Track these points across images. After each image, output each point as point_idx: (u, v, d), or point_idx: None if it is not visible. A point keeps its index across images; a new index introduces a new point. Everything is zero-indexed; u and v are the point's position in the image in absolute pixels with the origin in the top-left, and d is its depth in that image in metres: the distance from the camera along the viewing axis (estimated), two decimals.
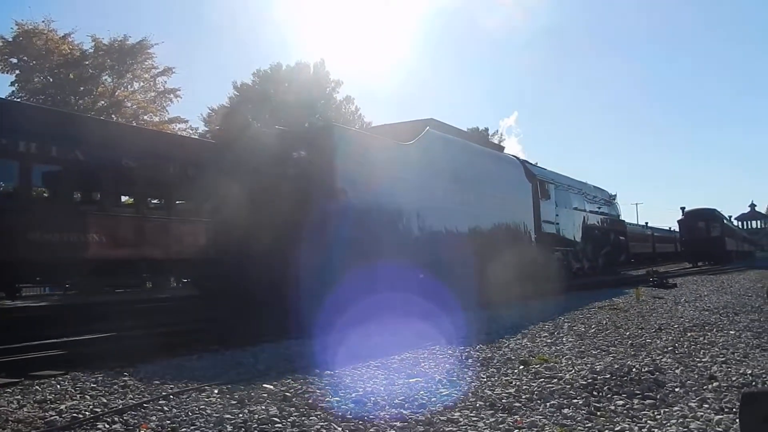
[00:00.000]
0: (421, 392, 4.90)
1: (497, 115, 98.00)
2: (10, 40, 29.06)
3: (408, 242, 11.08)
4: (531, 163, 21.82)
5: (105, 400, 4.65)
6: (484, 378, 5.44)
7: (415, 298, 9.80)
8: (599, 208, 24.97)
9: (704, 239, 36.58)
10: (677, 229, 43.62)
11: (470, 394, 4.81)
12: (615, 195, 28.93)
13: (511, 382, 5.21)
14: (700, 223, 37.46)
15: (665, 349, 6.75)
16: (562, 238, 19.79)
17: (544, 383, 5.10)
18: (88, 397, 4.79)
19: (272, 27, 65.46)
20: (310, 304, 8.35)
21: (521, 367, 5.88)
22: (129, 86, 33.48)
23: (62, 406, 4.46)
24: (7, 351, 6.65)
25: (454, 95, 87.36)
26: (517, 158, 18.82)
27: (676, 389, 4.85)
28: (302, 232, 8.91)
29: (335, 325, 7.97)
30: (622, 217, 30.01)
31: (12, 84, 29.70)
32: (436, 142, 12.86)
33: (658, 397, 4.62)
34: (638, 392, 4.73)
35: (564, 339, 7.76)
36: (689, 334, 7.86)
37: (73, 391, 4.97)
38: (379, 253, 9.79)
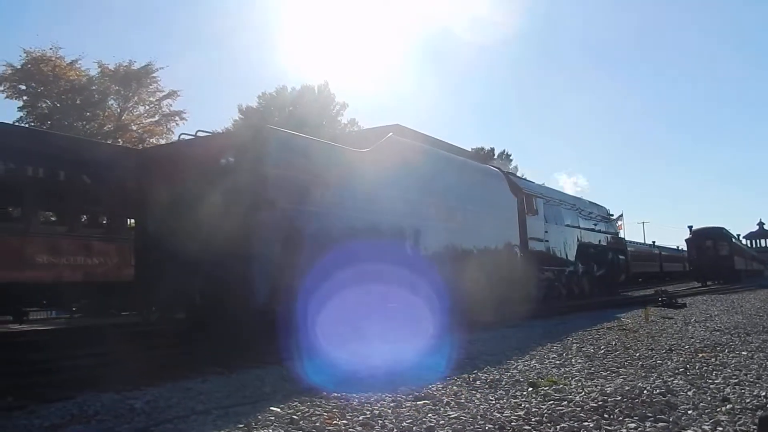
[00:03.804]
0: (429, 415, 4.84)
1: (498, 131, 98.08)
2: (19, 67, 29.45)
3: (360, 260, 9.64)
4: (516, 176, 21.25)
5: (111, 425, 4.61)
6: (492, 400, 5.38)
7: (378, 319, 9.52)
8: (595, 225, 24.08)
9: (713, 258, 36.31)
10: (685, 248, 43.37)
11: (479, 417, 4.74)
12: (621, 214, 28.66)
13: (521, 405, 5.14)
14: (708, 242, 37.21)
15: (677, 371, 6.66)
16: (553, 256, 19.00)
17: (553, 405, 5.03)
18: (94, 421, 4.75)
19: (275, 50, 66.07)
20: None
21: (530, 389, 5.81)
22: (134, 110, 33.80)
23: (68, 431, 4.41)
24: (14, 374, 6.63)
25: (455, 113, 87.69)
26: (500, 170, 17.95)
27: (689, 411, 4.77)
28: (232, 247, 8.19)
29: (330, 347, 7.86)
30: (625, 236, 29.34)
31: (20, 109, 30.07)
32: (399, 149, 11.75)
33: (670, 419, 4.55)
34: (650, 415, 4.66)
35: (573, 360, 7.68)
36: (701, 355, 7.76)
37: (79, 415, 4.94)
38: (323, 273, 8.82)
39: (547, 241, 18.50)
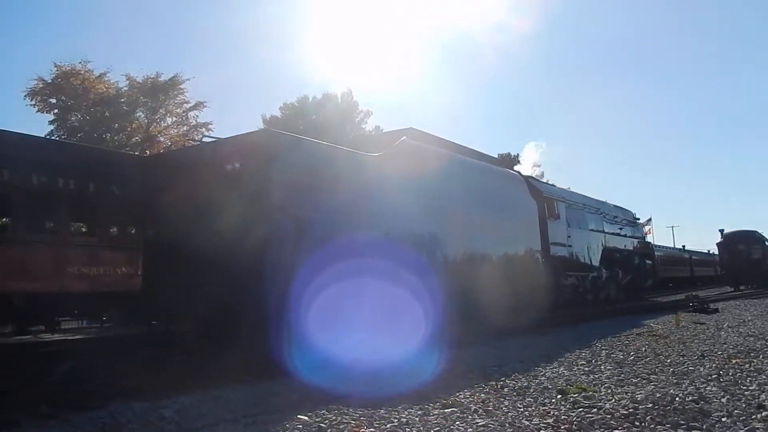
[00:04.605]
0: (457, 422, 4.82)
1: (521, 138, 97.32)
2: (50, 81, 30.08)
3: (372, 266, 9.31)
4: (537, 179, 20.75)
5: None
6: (520, 408, 5.34)
7: (408, 325, 9.28)
8: (621, 229, 23.61)
9: (745, 262, 35.53)
10: (716, 252, 42.56)
11: (507, 425, 4.71)
12: (650, 218, 28.27)
13: (549, 412, 5.09)
14: (740, 246, 36.42)
15: (709, 377, 6.54)
16: (577, 261, 18.64)
17: (583, 413, 4.97)
18: (126, 430, 4.82)
19: (297, 57, 66.55)
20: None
21: (559, 396, 5.76)
22: (162, 121, 34.23)
23: None
24: (47, 383, 6.75)
25: (478, 120, 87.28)
26: (520, 173, 17.71)
27: (723, 419, 4.68)
28: (241, 254, 8.03)
29: (351, 355, 7.77)
30: (654, 240, 28.83)
31: (51, 123, 30.66)
32: (412, 154, 11.51)
33: (704, 427, 4.47)
34: (683, 422, 4.58)
35: (602, 367, 7.59)
36: (734, 361, 7.61)
37: (111, 423, 5.01)
38: (335, 280, 8.53)
39: (569, 245, 18.16)
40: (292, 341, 8.00)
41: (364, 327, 8.79)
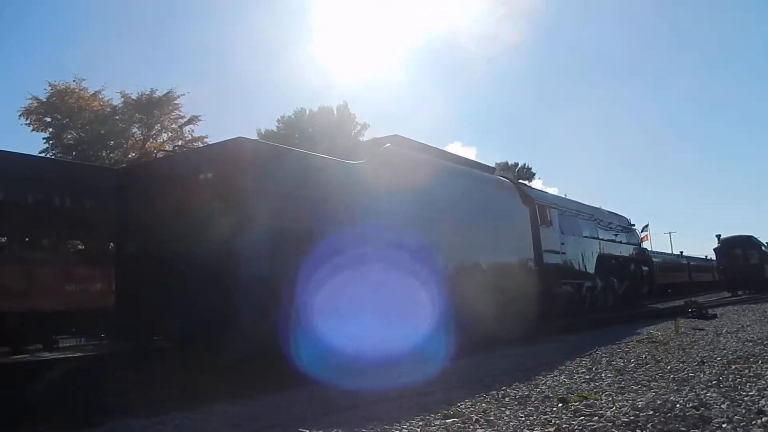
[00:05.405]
0: None
1: (524, 148, 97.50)
2: (44, 100, 30.09)
3: (354, 279, 8.96)
4: (528, 186, 20.40)
5: None
6: (522, 417, 5.32)
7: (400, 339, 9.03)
8: (616, 236, 23.48)
9: (742, 267, 35.67)
10: (714, 258, 42.66)
11: None
12: (647, 225, 28.31)
13: (551, 421, 5.07)
14: (737, 251, 36.58)
15: (709, 383, 6.53)
16: (571, 269, 18.42)
17: (584, 421, 4.96)
18: None
19: (295, 71, 66.73)
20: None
21: (560, 404, 5.74)
22: (158, 137, 34.25)
23: None
24: (45, 402, 6.72)
25: (476, 128, 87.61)
26: (511, 180, 17.56)
27: (724, 425, 4.68)
28: (213, 269, 7.85)
29: (342, 367, 7.71)
30: (652, 246, 28.73)
31: (45, 141, 30.63)
32: (397, 161, 11.22)
33: None
34: (683, 429, 4.58)
35: (603, 374, 7.58)
36: (734, 367, 7.60)
37: None
38: (316, 292, 8.34)
39: (563, 253, 17.91)
40: (281, 352, 7.87)
41: (347, 339, 8.52)
